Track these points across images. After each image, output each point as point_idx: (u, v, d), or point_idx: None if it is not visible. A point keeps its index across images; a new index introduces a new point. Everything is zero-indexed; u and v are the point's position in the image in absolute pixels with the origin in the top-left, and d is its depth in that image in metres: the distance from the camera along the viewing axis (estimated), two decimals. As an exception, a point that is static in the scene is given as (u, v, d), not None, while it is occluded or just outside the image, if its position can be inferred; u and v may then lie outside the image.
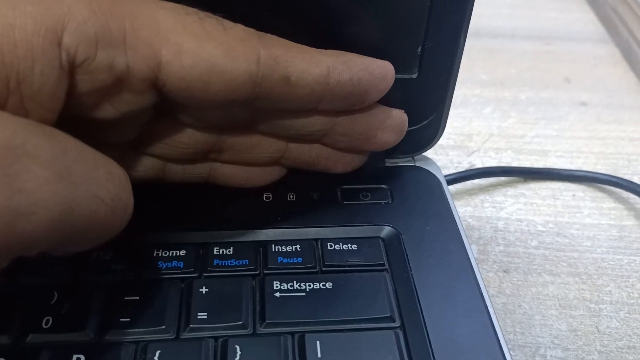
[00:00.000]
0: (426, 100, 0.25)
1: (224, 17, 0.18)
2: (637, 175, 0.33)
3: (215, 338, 0.19)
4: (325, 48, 0.22)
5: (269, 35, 0.18)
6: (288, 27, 0.22)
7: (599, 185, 0.32)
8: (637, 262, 0.28)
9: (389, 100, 0.25)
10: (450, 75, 0.25)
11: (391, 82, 0.21)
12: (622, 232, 0.29)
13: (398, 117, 0.22)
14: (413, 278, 0.22)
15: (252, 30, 0.17)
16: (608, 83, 0.42)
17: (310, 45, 0.21)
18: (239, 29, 0.17)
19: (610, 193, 0.32)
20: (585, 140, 0.36)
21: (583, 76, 0.42)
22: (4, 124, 0.13)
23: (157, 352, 0.18)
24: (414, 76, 0.24)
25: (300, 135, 0.21)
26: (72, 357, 0.18)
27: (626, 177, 0.32)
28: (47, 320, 0.19)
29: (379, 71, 0.20)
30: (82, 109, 0.16)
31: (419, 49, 0.23)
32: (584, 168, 0.33)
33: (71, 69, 0.15)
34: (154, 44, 0.15)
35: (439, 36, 0.24)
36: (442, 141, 0.28)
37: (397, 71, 0.24)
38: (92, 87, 0.15)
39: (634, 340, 0.24)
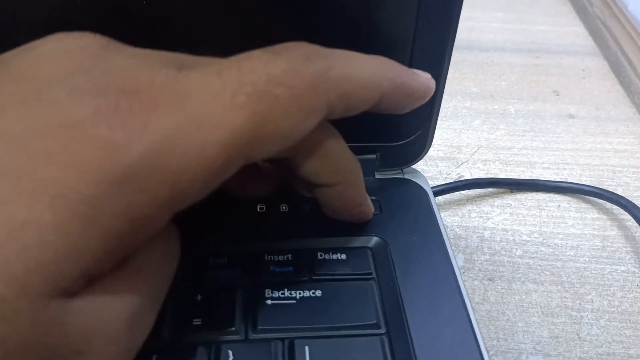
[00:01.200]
0: (414, 116, 0.26)
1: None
2: (621, 187, 0.33)
3: (209, 344, 0.20)
4: None
5: (334, 65, 0.18)
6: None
7: (584, 196, 0.33)
8: (619, 271, 0.28)
9: (377, 116, 0.26)
10: (436, 92, 0.25)
11: (433, 86, 0.22)
12: (605, 242, 0.30)
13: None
14: (399, 287, 0.23)
15: (318, 67, 0.17)
16: (596, 96, 0.42)
17: None
18: (307, 78, 0.17)
19: (594, 204, 0.32)
20: (571, 152, 0.36)
21: (571, 89, 0.43)
22: None
23: (154, 357, 0.19)
24: None
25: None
26: None
27: (610, 188, 0.32)
28: None
29: (421, 79, 0.21)
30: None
31: (407, 63, 0.25)
32: (570, 179, 0.34)
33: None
34: (242, 152, 0.16)
35: (424, 56, 0.24)
36: (431, 152, 0.28)
37: None
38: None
39: (613, 347, 0.25)
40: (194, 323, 0.20)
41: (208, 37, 0.24)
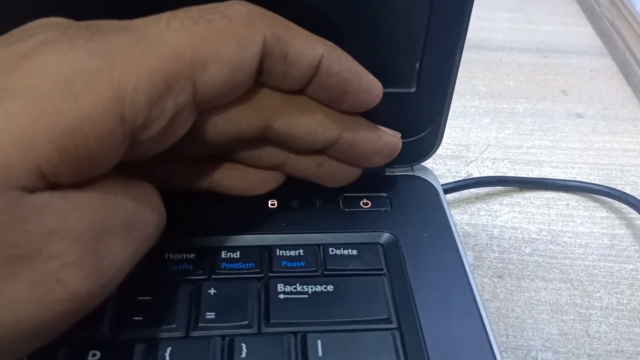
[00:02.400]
0: (424, 114, 0.26)
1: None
2: (629, 186, 0.34)
3: (223, 337, 0.20)
4: None
5: (268, 12, 0.19)
6: None
7: (592, 195, 0.33)
8: (627, 269, 0.29)
9: (388, 114, 0.26)
10: (447, 89, 0.26)
11: (375, 100, 0.22)
12: (614, 240, 0.30)
13: (392, 145, 0.24)
14: (410, 282, 0.23)
15: (253, 8, 0.18)
16: (604, 95, 0.42)
17: None
18: (242, 12, 0.18)
19: (602, 203, 0.33)
20: (580, 151, 0.36)
21: (580, 88, 0.43)
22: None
23: (168, 349, 0.20)
24: (412, 90, 0.25)
25: (303, 151, 0.23)
26: (88, 353, 0.20)
27: (619, 187, 0.33)
28: None
29: (365, 82, 0.21)
30: (133, 155, 0.18)
31: (417, 65, 0.25)
32: (578, 178, 0.34)
33: (132, 133, 0.16)
34: (184, 72, 0.17)
35: (436, 53, 0.25)
36: (441, 151, 0.29)
37: (396, 86, 0.26)
38: (147, 138, 0.17)
39: (622, 344, 0.25)
40: (208, 316, 0.21)
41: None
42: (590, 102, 0.41)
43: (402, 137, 0.28)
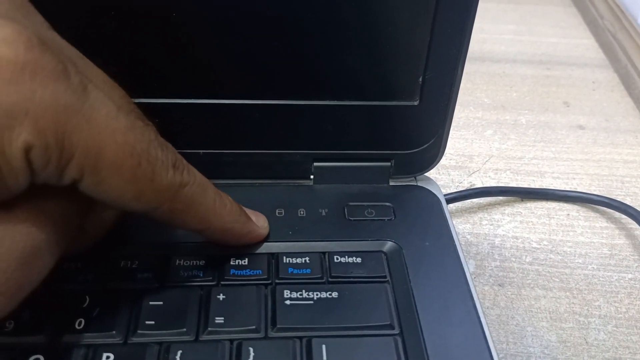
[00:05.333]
0: (427, 125, 0.27)
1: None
2: (629, 197, 0.35)
3: (231, 341, 0.21)
4: (333, 78, 0.25)
5: (191, 179, 0.20)
6: (297, 59, 0.25)
7: (593, 205, 0.34)
8: (626, 279, 0.29)
9: (392, 126, 0.27)
10: (449, 102, 0.27)
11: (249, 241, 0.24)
12: (613, 250, 0.31)
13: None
14: (412, 290, 0.24)
15: (179, 176, 0.19)
16: (605, 107, 0.43)
17: (319, 76, 0.24)
18: (169, 175, 0.19)
19: (602, 213, 0.33)
20: (581, 162, 0.37)
21: (581, 100, 0.44)
22: None
23: (179, 352, 0.20)
24: (416, 103, 0.26)
25: None
26: (102, 356, 0.21)
27: (619, 198, 0.34)
28: (80, 322, 0.21)
29: (245, 241, 0.23)
30: None
31: (420, 79, 0.26)
32: (579, 189, 0.35)
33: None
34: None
35: (438, 67, 0.26)
36: (444, 161, 0.29)
37: (399, 99, 0.27)
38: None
39: (619, 352, 0.26)
40: (217, 321, 0.21)
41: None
42: (592, 114, 0.42)
43: (406, 149, 0.30)
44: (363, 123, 0.27)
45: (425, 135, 0.28)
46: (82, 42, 0.19)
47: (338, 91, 0.26)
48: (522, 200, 0.34)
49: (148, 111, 0.20)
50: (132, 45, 0.24)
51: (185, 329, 0.21)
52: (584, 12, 0.57)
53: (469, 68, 0.25)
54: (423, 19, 0.24)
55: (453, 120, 0.27)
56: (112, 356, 0.20)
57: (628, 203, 0.33)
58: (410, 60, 0.25)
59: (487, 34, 0.52)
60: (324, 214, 0.27)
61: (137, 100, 0.21)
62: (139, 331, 0.21)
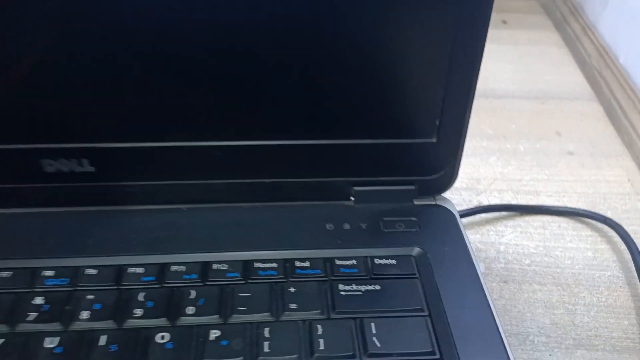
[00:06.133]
0: (443, 157, 0.33)
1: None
2: (610, 210, 0.40)
3: (303, 321, 0.27)
4: (372, 124, 0.31)
5: None
6: (348, 110, 0.31)
7: (580, 218, 0.39)
8: (606, 275, 0.35)
9: (416, 158, 0.33)
10: (460, 138, 0.32)
11: None
12: (596, 254, 0.37)
13: None
14: (436, 284, 0.30)
15: None
16: (592, 135, 0.48)
17: (362, 122, 0.31)
18: None
19: (588, 224, 0.39)
20: (570, 183, 0.43)
21: (571, 130, 0.49)
22: None
23: (266, 329, 0.27)
24: (434, 141, 0.32)
25: None
26: (209, 333, 0.27)
27: (601, 212, 0.39)
28: (189, 309, 0.28)
29: None
30: None
31: (437, 122, 0.32)
32: (568, 205, 0.40)
33: None
34: None
35: (451, 111, 0.31)
36: (457, 184, 0.35)
37: (421, 137, 0.32)
38: None
39: (600, 331, 0.32)
40: (291, 307, 0.28)
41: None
42: (580, 141, 0.48)
43: (427, 175, 0.36)
44: (393, 156, 0.33)
45: (442, 165, 0.33)
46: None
47: (374, 133, 0.31)
48: (521, 215, 0.40)
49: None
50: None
51: (269, 313, 0.27)
52: (574, 52, 0.62)
53: (474, 104, 0.31)
54: (440, 75, 0.30)
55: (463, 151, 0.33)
56: (218, 332, 0.27)
57: (609, 216, 0.39)
58: (429, 108, 0.31)
59: (489, 72, 0.56)
60: (364, 227, 0.32)
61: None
62: (234, 315, 0.27)
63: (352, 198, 0.34)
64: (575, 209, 0.40)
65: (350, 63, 0.29)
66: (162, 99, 0.29)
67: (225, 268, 0.29)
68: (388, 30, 0.28)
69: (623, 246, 0.37)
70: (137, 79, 0.29)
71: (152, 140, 0.30)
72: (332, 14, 0.28)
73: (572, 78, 0.58)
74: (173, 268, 0.29)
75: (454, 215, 0.34)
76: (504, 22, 0.67)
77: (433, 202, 0.34)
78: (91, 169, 0.31)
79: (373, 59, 0.29)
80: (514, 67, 0.59)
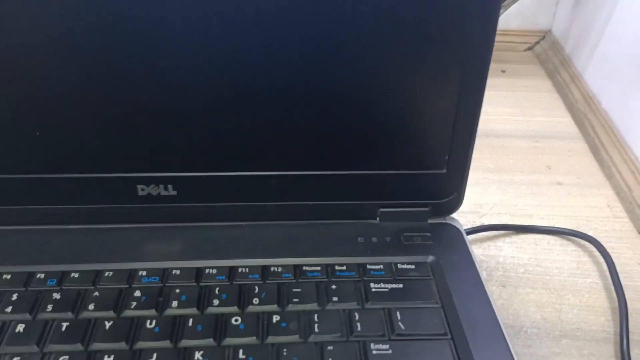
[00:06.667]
0: (452, 185, 0.38)
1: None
2: (592, 230, 0.45)
3: (344, 310, 0.33)
4: (394, 160, 0.37)
5: None
6: (377, 151, 0.36)
7: (566, 236, 0.44)
8: (587, 282, 0.40)
9: (429, 186, 0.38)
10: (465, 170, 0.37)
11: None
12: (579, 264, 0.42)
13: None
14: (447, 284, 0.35)
15: None
16: (578, 169, 0.53)
17: (387, 158, 0.37)
18: None
19: (573, 241, 0.44)
20: (558, 208, 0.48)
21: (560, 164, 0.53)
22: None
23: (315, 315, 0.33)
24: (444, 172, 0.37)
25: None
26: (272, 317, 0.34)
27: (584, 231, 0.44)
28: (254, 300, 0.34)
29: None
30: None
31: (447, 157, 0.37)
32: (557, 225, 0.45)
33: None
34: None
35: (458, 148, 0.37)
36: (463, 207, 0.39)
37: (433, 169, 0.37)
38: None
39: (581, 325, 0.37)
40: (333, 300, 0.34)
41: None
42: (568, 174, 0.52)
43: (439, 199, 0.39)
44: (411, 184, 0.38)
45: (451, 191, 0.39)
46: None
47: (397, 166, 0.37)
48: (517, 233, 0.45)
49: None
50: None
51: (316, 303, 0.34)
52: (563, 98, 0.66)
53: (477, 142, 0.35)
54: (449, 119, 0.35)
55: (468, 180, 0.39)
56: (278, 317, 0.34)
57: (590, 234, 0.44)
58: (440, 146, 0.36)
59: (490, 115, 0.61)
60: (388, 240, 0.38)
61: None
62: (289, 304, 0.33)
63: (377, 218, 0.39)
64: (562, 228, 0.45)
65: (382, 115, 0.35)
66: (231, 139, 0.36)
67: (280, 270, 0.36)
68: (409, 87, 0.34)
69: (602, 259, 0.42)
70: (213, 126, 0.35)
71: (221, 170, 0.37)
72: (361, 71, 0.34)
73: (562, 120, 0.61)
74: (240, 270, 0.35)
75: (460, 232, 0.39)
76: (503, 71, 0.69)
77: (443, 221, 0.40)
78: (174, 192, 0.38)
79: (399, 111, 0.35)
80: (511, 111, 0.62)
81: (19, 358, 0.30)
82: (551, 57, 0.74)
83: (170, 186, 0.37)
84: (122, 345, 0.31)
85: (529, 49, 0.79)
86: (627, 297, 0.39)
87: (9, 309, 0.33)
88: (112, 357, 0.31)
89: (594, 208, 0.49)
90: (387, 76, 0.34)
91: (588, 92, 0.63)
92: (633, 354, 0.36)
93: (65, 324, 0.32)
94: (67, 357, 0.30)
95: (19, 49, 0.32)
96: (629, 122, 0.54)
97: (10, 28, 0.31)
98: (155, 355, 0.31)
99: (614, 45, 0.59)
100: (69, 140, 0.35)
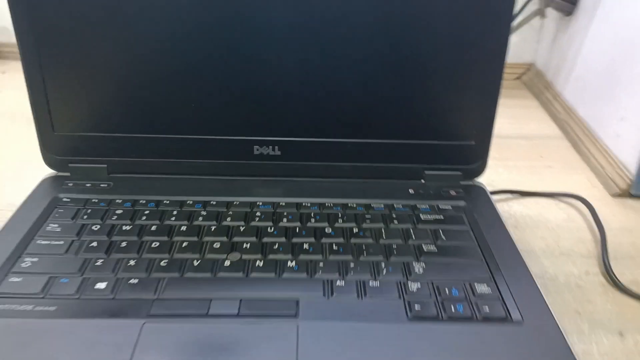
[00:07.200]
0: (479, 153, 0.45)
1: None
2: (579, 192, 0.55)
3: (401, 229, 0.42)
4: (435, 134, 0.45)
5: None
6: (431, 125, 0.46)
7: (559, 197, 0.51)
8: (575, 224, 0.48)
9: (464, 155, 0.46)
10: (489, 142, 0.44)
11: None
12: (569, 215, 0.49)
13: None
14: (476, 219, 0.42)
15: None
16: (564, 157, 0.60)
17: (426, 135, 0.46)
18: None
19: (564, 201, 0.51)
20: (551, 182, 0.54)
21: (550, 154, 0.60)
22: None
23: (382, 230, 0.41)
24: (473, 143, 0.45)
25: None
26: (353, 229, 0.42)
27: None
28: (340, 220, 0.42)
29: None
30: None
31: (474, 132, 0.44)
32: (550, 191, 0.54)
33: None
34: None
35: (483, 127, 0.45)
36: (481, 180, 0.50)
37: (467, 141, 0.44)
38: None
39: (573, 248, 0.45)
40: (394, 223, 0.43)
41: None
42: (556, 161, 0.59)
43: (468, 165, 0.46)
44: (449, 152, 0.45)
45: (477, 159, 0.45)
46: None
47: (441, 137, 0.44)
48: (522, 197, 0.52)
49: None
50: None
51: (382, 224, 0.42)
52: (548, 112, 0.73)
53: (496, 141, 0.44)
54: (477, 106, 0.43)
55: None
56: (356, 229, 0.42)
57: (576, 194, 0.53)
58: (470, 125, 0.44)
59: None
60: (431, 192, 0.45)
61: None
62: (363, 224, 0.41)
63: (423, 180, 0.46)
64: (556, 191, 0.52)
65: (433, 103, 0.43)
66: (320, 114, 0.44)
67: (355, 205, 0.43)
68: (451, 85, 0.42)
69: (586, 209, 0.49)
70: (308, 105, 0.43)
71: (312, 137, 0.45)
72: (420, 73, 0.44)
73: (548, 126, 0.69)
74: (326, 204, 0.43)
75: (484, 190, 0.46)
76: (499, 94, 0.80)
77: (472, 183, 0.46)
78: (278, 153, 0.46)
79: (444, 101, 0.43)
80: (509, 121, 0.70)
81: (185, 241, 0.38)
82: (536, 83, 0.80)
83: (277, 147, 0.45)
84: (254, 239, 0.39)
85: (518, 78, 0.86)
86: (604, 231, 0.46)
87: (172, 219, 0.41)
88: (249, 244, 0.38)
89: (577, 182, 0.56)
90: (436, 78, 0.42)
91: (567, 105, 0.69)
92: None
93: (213, 228, 0.40)
94: (218, 243, 0.38)
95: (176, 53, 0.41)
96: (599, 122, 0.61)
97: (156, 22, 0.40)
98: (276, 244, 0.38)
99: (584, 69, 0.67)
100: (211, 113, 0.44)
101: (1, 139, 0.60)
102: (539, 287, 0.36)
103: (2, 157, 0.56)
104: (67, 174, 0.45)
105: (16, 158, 0.56)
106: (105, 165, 0.45)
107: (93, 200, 0.42)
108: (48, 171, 0.44)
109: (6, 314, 0.32)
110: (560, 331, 0.33)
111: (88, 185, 0.44)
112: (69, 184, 0.44)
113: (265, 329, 0.31)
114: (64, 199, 0.42)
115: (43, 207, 0.41)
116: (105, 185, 0.44)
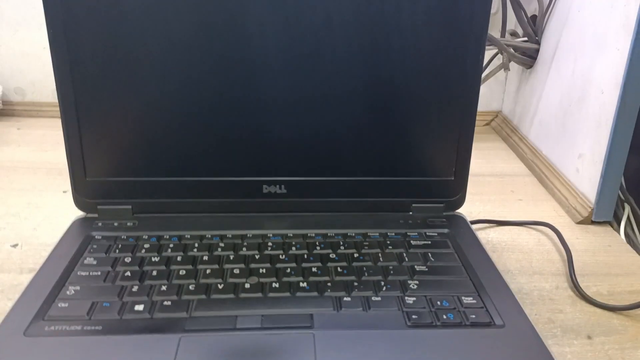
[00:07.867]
0: (457, 188, 0.51)
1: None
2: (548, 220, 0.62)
3: (396, 252, 0.48)
4: (420, 172, 0.53)
5: None
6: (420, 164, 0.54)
7: (530, 226, 0.57)
8: (546, 248, 0.55)
9: (442, 189, 0.54)
10: (466, 177, 0.51)
11: None
12: (540, 240, 0.55)
13: None
14: (459, 244, 0.48)
15: None
16: (531, 192, 0.65)
17: (412, 173, 0.53)
18: None
19: (534, 228, 0.57)
20: (521, 213, 0.60)
21: (519, 189, 0.66)
22: None
23: (379, 254, 0.47)
24: (452, 179, 0.52)
25: None
26: (354, 254, 0.47)
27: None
28: (342, 248, 0.48)
29: None
30: None
31: (454, 169, 0.52)
32: (520, 220, 0.61)
33: None
34: None
35: (460, 165, 0.52)
36: (461, 212, 0.56)
37: (446, 177, 0.51)
38: None
39: (544, 268, 0.51)
40: (388, 248, 0.48)
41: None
42: (525, 194, 0.65)
43: (450, 198, 0.52)
44: (432, 187, 0.51)
45: (457, 191, 0.52)
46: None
47: (425, 174, 0.50)
48: (498, 226, 0.56)
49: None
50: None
51: (379, 249, 0.48)
52: (516, 152, 0.78)
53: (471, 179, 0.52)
54: (454, 149, 0.52)
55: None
56: (357, 254, 0.47)
57: (546, 222, 0.60)
58: (449, 164, 0.50)
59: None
60: (418, 222, 0.51)
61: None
62: (362, 250, 0.47)
63: (411, 212, 0.51)
64: (527, 220, 0.58)
65: (417, 147, 0.50)
66: (319, 158, 0.50)
67: (353, 235, 0.48)
68: (431, 133, 0.50)
69: (554, 235, 0.55)
70: (308, 150, 0.50)
71: (314, 176, 0.51)
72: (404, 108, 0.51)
73: (516, 165, 0.75)
74: (328, 234, 0.48)
75: (465, 219, 0.51)
76: (472, 137, 0.88)
77: (453, 214, 0.52)
78: (284, 190, 0.52)
79: (427, 146, 0.50)
80: (481, 161, 0.76)
81: (208, 268, 0.43)
82: (504, 128, 0.87)
83: (283, 185, 0.51)
84: (268, 265, 0.44)
85: (487, 124, 0.94)
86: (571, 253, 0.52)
87: (195, 250, 0.45)
88: (264, 269, 0.43)
89: (545, 212, 0.62)
90: (420, 125, 0.50)
91: (532, 146, 0.76)
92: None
93: (231, 256, 0.45)
94: (238, 269, 0.43)
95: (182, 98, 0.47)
96: (561, 160, 0.68)
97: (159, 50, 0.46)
98: (288, 269, 0.43)
99: (545, 114, 0.74)
100: (225, 157, 0.49)
101: (25, 188, 0.64)
102: (517, 299, 0.41)
103: (30, 204, 0.60)
104: (95, 215, 0.50)
105: (42, 204, 0.60)
106: (130, 207, 0.50)
107: (122, 237, 0.47)
108: (75, 214, 0.49)
109: (59, 333, 0.36)
110: (537, 333, 0.38)
111: (116, 224, 0.49)
112: (99, 224, 0.49)
113: (286, 338, 0.36)
114: (97, 237, 0.47)
115: (78, 243, 0.45)
116: (131, 224, 0.49)
